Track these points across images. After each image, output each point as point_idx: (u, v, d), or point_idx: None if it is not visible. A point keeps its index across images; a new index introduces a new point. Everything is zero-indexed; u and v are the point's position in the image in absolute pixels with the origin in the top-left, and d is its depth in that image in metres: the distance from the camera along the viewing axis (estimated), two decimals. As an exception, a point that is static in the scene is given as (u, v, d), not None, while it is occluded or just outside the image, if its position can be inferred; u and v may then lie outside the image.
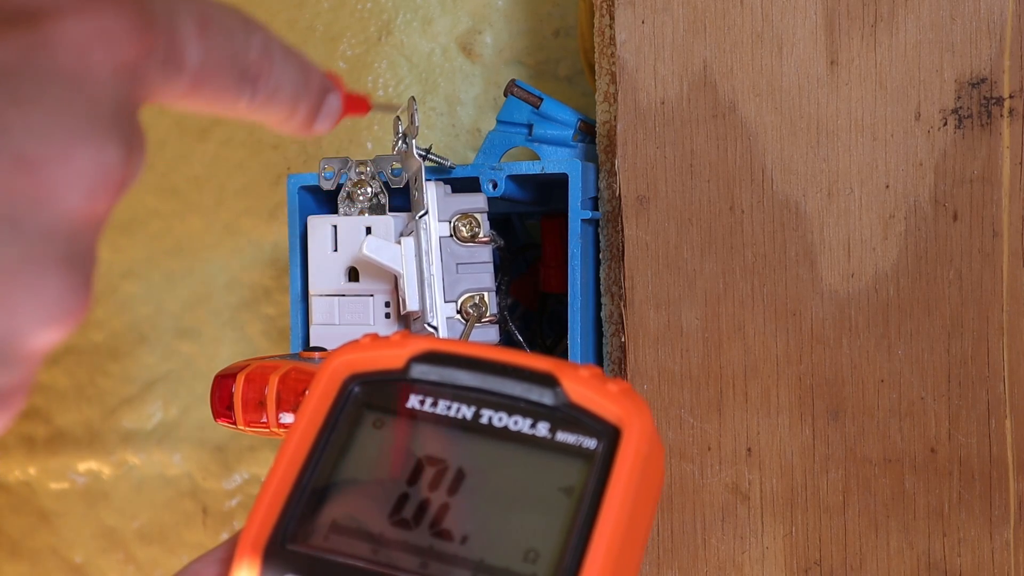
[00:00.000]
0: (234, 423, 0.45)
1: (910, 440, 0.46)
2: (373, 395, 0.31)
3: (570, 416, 0.29)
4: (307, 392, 0.31)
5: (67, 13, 0.22)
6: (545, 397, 0.30)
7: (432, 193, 0.49)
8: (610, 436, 0.29)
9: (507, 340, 0.56)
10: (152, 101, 0.25)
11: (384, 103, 0.46)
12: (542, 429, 0.30)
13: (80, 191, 0.22)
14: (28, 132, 0.21)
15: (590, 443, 0.29)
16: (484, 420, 0.30)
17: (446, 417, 0.30)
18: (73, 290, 0.23)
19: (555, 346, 0.62)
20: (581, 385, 0.30)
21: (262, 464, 0.75)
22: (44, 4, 0.22)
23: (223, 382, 0.45)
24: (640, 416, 0.29)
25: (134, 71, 0.23)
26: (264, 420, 0.44)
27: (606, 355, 0.51)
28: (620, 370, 0.50)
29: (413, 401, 0.31)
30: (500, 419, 0.30)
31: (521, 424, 0.30)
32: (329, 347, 0.51)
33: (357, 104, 0.42)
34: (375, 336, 0.32)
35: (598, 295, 0.52)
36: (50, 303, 0.22)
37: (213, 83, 0.26)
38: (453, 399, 0.30)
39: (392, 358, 0.31)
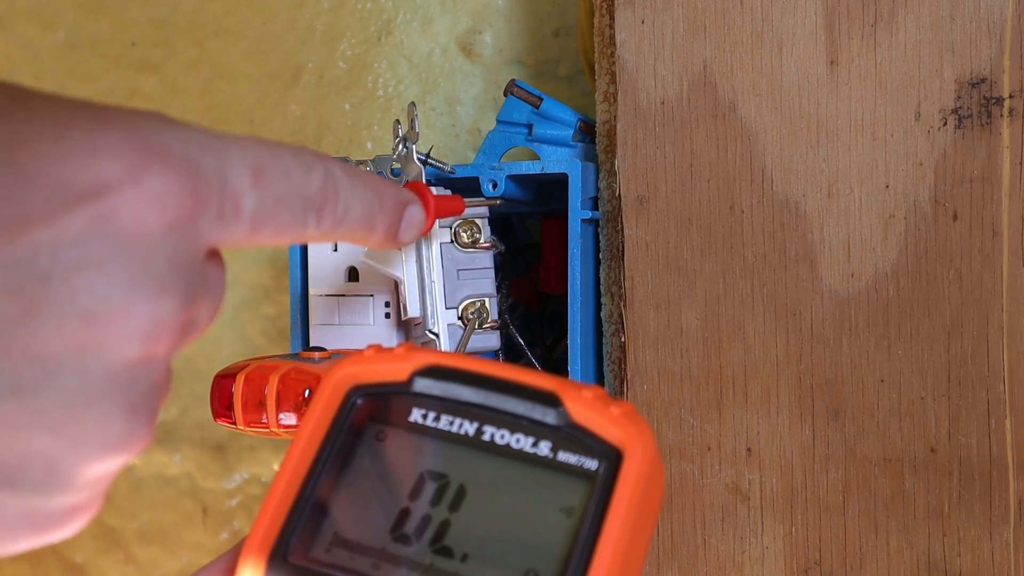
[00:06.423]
0: (234, 423, 0.45)
1: (910, 440, 0.46)
2: (376, 408, 0.31)
3: (572, 436, 0.29)
4: (310, 402, 0.31)
5: (125, 183, 0.24)
6: (548, 416, 0.30)
7: (432, 199, 0.49)
8: (612, 458, 0.29)
9: (507, 342, 0.56)
10: (217, 246, 0.27)
11: (476, 202, 0.48)
12: (544, 448, 0.30)
13: (137, 340, 0.24)
14: (91, 293, 0.23)
15: (592, 464, 0.29)
16: (487, 437, 0.30)
17: (449, 433, 0.30)
18: (133, 425, 0.25)
19: (555, 346, 0.62)
20: (584, 406, 0.30)
21: (262, 464, 0.75)
22: (106, 177, 0.24)
23: (223, 382, 0.45)
24: (642, 439, 0.29)
25: (188, 227, 0.25)
26: (264, 420, 0.44)
27: (606, 355, 0.51)
28: (620, 370, 0.50)
29: (416, 415, 0.31)
30: (502, 436, 0.30)
31: (523, 442, 0.30)
32: (329, 347, 0.51)
33: (450, 206, 0.45)
34: (379, 348, 0.32)
35: (598, 295, 0.52)
36: (111, 437, 0.25)
37: (273, 222, 0.28)
38: (456, 415, 0.30)
39: (396, 371, 0.31)
